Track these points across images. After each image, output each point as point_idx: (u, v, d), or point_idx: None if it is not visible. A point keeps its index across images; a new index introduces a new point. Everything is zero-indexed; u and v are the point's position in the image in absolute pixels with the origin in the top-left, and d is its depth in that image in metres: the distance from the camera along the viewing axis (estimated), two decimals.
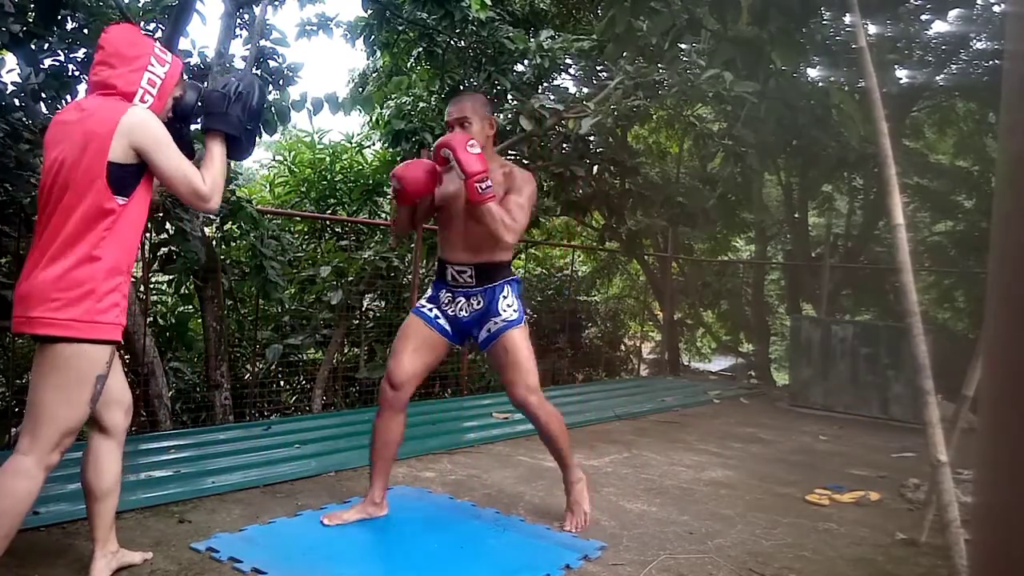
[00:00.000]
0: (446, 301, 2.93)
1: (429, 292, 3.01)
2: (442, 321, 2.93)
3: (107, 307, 2.07)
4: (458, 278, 2.90)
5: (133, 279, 4.80)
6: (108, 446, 2.31)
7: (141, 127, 2.05)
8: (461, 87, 7.06)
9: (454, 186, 2.88)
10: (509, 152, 6.39)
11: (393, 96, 6.95)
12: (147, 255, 4.52)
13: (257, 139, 2.42)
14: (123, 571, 2.32)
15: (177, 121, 2.28)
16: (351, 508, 2.94)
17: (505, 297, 2.89)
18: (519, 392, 2.87)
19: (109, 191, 2.03)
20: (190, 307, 5.45)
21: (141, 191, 2.12)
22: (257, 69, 5.64)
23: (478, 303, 2.89)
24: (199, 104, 2.32)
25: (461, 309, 2.91)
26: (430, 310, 2.94)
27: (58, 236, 2.03)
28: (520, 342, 2.88)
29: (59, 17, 4.31)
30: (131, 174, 2.07)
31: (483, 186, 2.64)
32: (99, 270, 2.03)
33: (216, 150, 2.25)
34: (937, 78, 8.72)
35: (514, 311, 2.89)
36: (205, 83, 5.28)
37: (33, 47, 4.17)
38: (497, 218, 2.70)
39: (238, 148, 2.32)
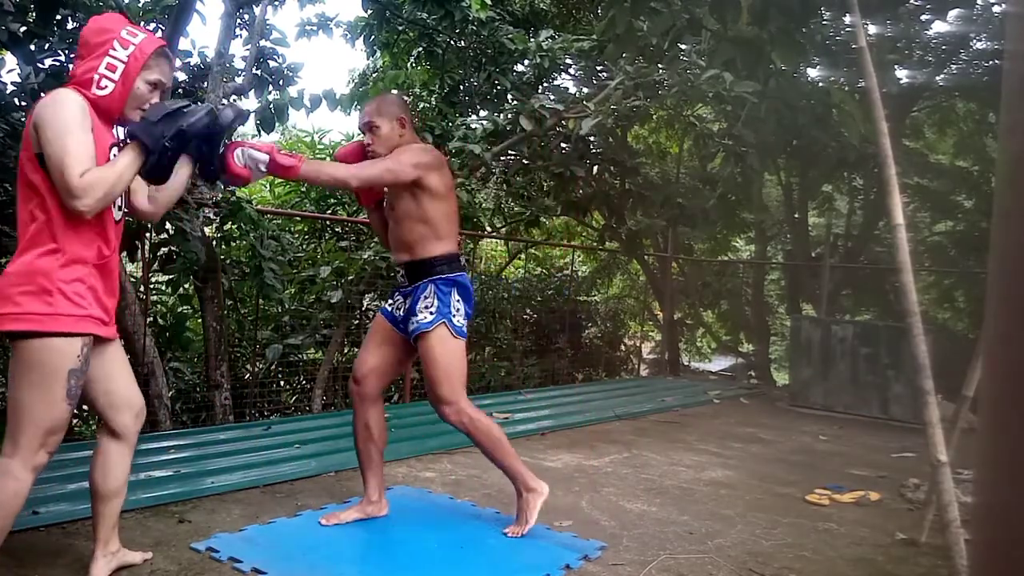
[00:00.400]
0: (397, 301, 2.91)
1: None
2: (392, 310, 2.91)
3: (71, 298, 2.00)
4: (401, 279, 2.91)
5: (133, 279, 4.81)
6: (118, 449, 2.28)
7: (41, 109, 1.96)
8: (461, 87, 7.07)
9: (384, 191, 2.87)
10: (509, 152, 6.40)
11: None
12: (147, 255, 4.52)
13: (186, 165, 2.25)
14: (123, 571, 2.32)
15: (175, 134, 2.11)
16: (349, 508, 2.94)
17: (425, 297, 2.75)
18: (432, 401, 2.80)
19: (48, 182, 1.96)
20: (188, 307, 5.45)
21: None
22: (257, 69, 5.65)
23: (406, 302, 2.84)
24: (233, 121, 2.28)
25: (398, 308, 2.88)
26: (390, 306, 2.92)
27: (23, 232, 2.01)
28: (435, 347, 2.70)
29: (59, 17, 4.31)
30: None
31: (285, 161, 2.41)
32: (57, 261, 1.98)
33: (123, 157, 2.05)
34: (937, 78, 8.72)
35: (430, 312, 2.72)
36: (205, 82, 5.28)
37: (33, 47, 4.16)
38: (322, 173, 2.58)
39: (153, 165, 2.10)
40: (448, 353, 2.72)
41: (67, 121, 1.95)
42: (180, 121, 2.12)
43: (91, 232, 2.05)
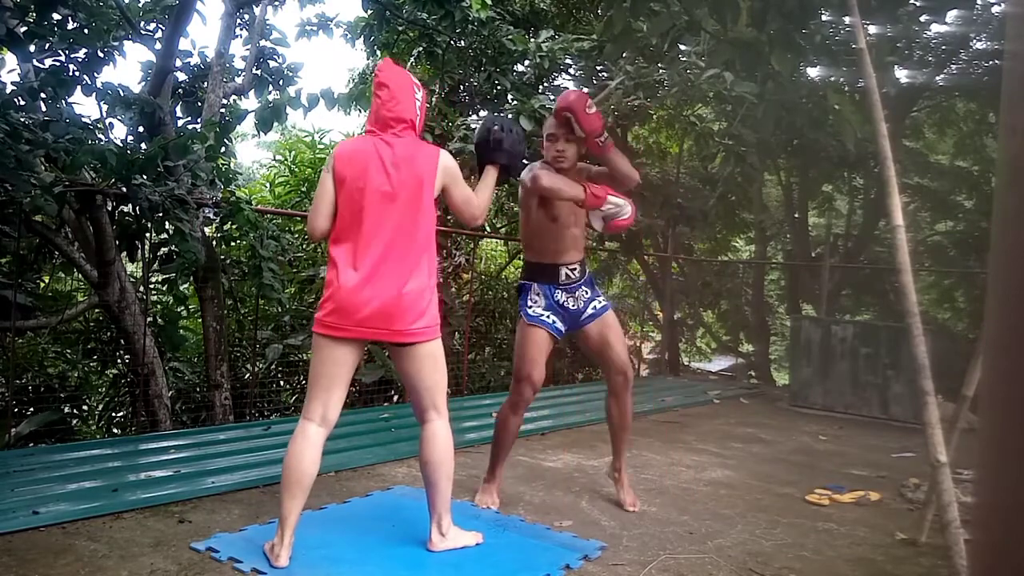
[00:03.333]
0: (563, 299, 3.18)
1: (539, 299, 3.17)
2: (559, 324, 3.17)
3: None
4: (571, 276, 3.20)
5: (133, 279, 4.81)
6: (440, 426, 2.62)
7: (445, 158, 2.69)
8: (461, 87, 7.06)
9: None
10: None
11: None
12: (147, 255, 4.53)
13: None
14: (124, 571, 2.32)
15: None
16: (487, 490, 3.26)
17: (596, 286, 3.31)
18: (620, 369, 3.22)
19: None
20: (183, 308, 5.44)
21: None
22: (257, 69, 5.65)
23: (585, 293, 3.23)
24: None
25: (573, 303, 3.19)
26: (548, 317, 3.15)
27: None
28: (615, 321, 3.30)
29: (58, 17, 4.31)
30: None
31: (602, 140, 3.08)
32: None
33: (491, 179, 2.80)
34: (937, 78, 8.72)
35: (602, 298, 3.31)
36: (205, 82, 5.28)
37: (33, 48, 4.17)
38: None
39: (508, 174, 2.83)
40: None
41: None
42: (520, 135, 2.83)
43: None
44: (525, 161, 2.79)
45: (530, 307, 3.15)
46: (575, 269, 3.20)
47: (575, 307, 3.18)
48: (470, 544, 2.65)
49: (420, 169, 2.51)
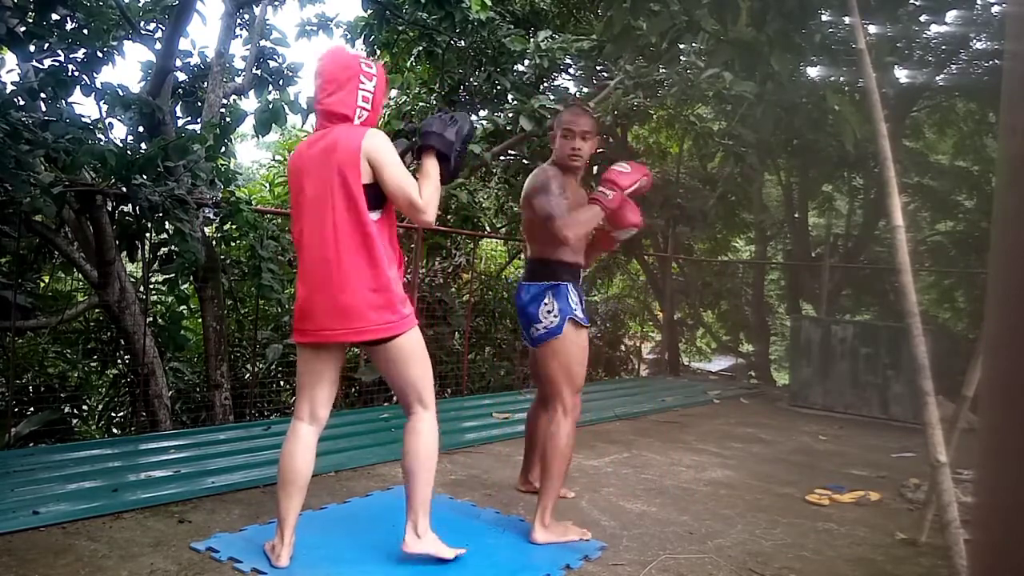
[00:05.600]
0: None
1: (574, 296, 2.98)
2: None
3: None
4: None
5: (133, 279, 4.81)
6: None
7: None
8: (461, 87, 7.06)
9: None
10: (509, 152, 6.40)
11: (392, 97, 6.94)
12: (147, 255, 4.52)
13: (461, 165, 2.62)
14: (124, 571, 2.32)
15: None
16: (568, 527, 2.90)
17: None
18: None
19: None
20: (185, 308, 5.44)
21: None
22: (257, 69, 5.64)
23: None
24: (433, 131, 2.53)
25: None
26: (583, 314, 3.01)
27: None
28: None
29: (57, 17, 4.31)
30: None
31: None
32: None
33: (432, 167, 2.43)
34: (937, 78, 8.72)
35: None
36: (205, 82, 5.28)
37: (32, 48, 4.17)
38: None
39: (451, 170, 2.50)
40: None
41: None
42: (463, 127, 2.50)
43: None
44: (460, 150, 2.49)
45: (574, 308, 2.94)
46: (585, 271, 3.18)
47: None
48: (446, 557, 2.46)
49: (341, 157, 2.31)
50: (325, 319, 2.35)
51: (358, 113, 2.37)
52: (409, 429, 2.49)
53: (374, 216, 2.35)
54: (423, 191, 2.35)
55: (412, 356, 2.45)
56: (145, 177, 3.85)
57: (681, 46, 5.20)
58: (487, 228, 7.78)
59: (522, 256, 9.88)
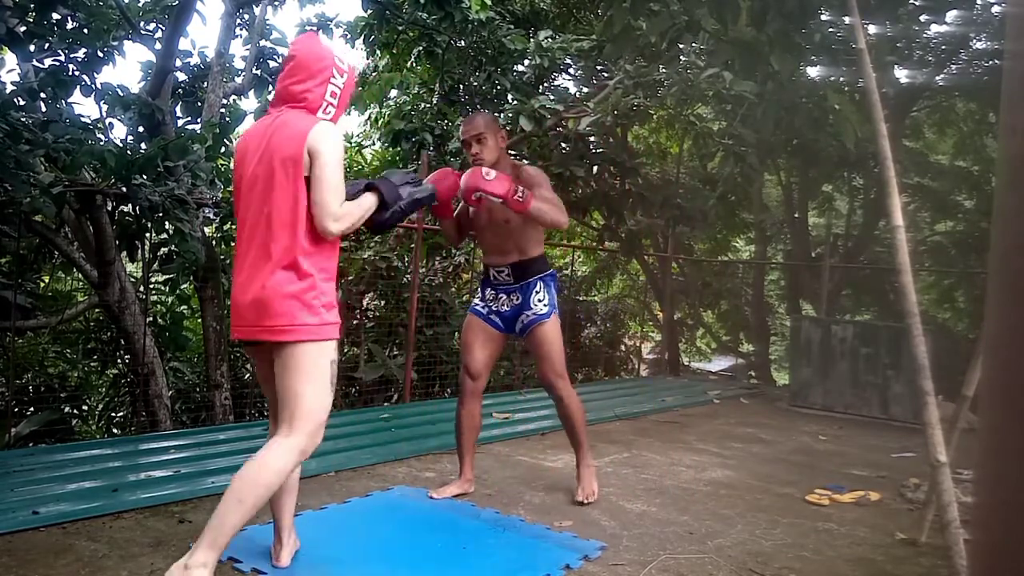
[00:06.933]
0: (490, 298, 3.29)
1: (479, 292, 3.37)
2: (494, 316, 3.27)
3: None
4: (498, 277, 3.25)
5: (133, 279, 4.81)
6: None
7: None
8: (461, 87, 7.06)
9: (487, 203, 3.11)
10: (509, 152, 6.38)
11: (392, 97, 6.95)
12: (147, 255, 4.53)
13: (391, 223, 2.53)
14: (124, 571, 2.32)
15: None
16: (451, 483, 3.32)
17: (537, 292, 3.20)
18: (547, 376, 3.21)
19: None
20: (184, 308, 5.45)
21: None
22: (257, 69, 5.64)
23: (511, 298, 3.24)
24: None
25: (502, 305, 3.26)
26: (483, 308, 3.30)
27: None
28: (550, 332, 3.18)
29: (58, 17, 4.31)
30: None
31: (520, 196, 2.90)
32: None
33: (368, 201, 2.33)
34: (937, 78, 8.72)
35: (544, 305, 3.19)
36: (205, 82, 5.28)
37: (32, 48, 4.17)
38: (546, 213, 2.97)
39: (381, 220, 2.41)
40: (559, 336, 3.22)
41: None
42: (417, 194, 2.49)
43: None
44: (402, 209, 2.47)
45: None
46: (502, 272, 3.23)
47: (503, 310, 3.26)
48: None
49: (283, 144, 2.15)
50: (248, 314, 2.21)
51: (324, 107, 2.25)
52: (261, 449, 2.18)
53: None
54: (345, 204, 2.20)
55: (309, 371, 2.18)
56: (145, 177, 3.85)
57: (681, 46, 5.20)
58: None
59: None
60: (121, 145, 4.17)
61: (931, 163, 9.95)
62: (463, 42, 6.80)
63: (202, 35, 60.37)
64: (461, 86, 7.19)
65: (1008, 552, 0.80)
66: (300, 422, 2.17)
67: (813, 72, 6.58)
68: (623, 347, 9.74)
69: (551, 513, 3.14)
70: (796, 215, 10.21)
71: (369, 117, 8.33)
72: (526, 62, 6.97)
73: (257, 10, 5.56)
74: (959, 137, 10.11)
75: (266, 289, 2.15)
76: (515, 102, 6.03)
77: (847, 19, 2.53)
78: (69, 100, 4.27)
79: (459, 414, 3.30)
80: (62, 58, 4.42)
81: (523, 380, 7.20)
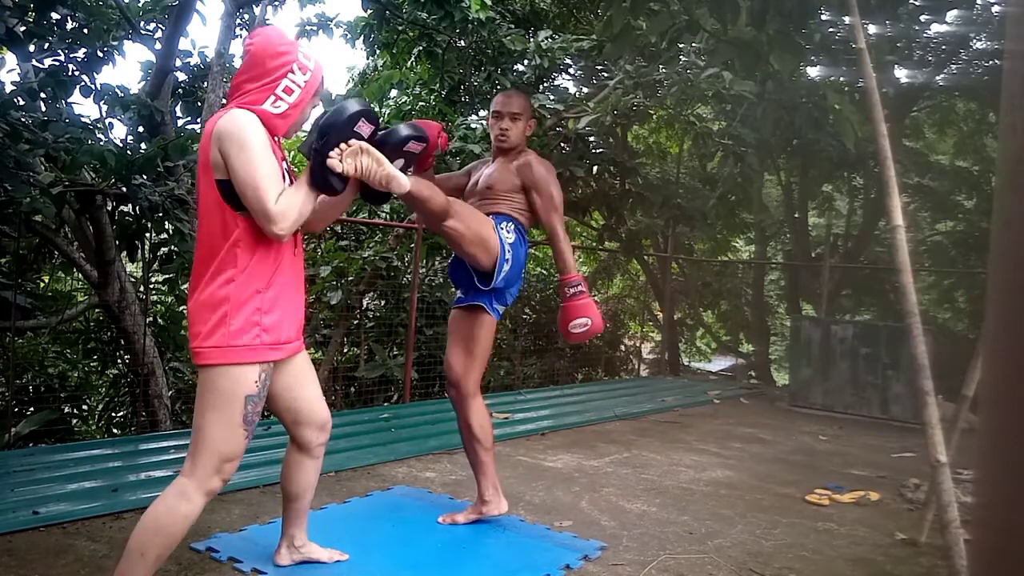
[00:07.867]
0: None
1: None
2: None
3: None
4: None
5: (133, 279, 4.81)
6: (300, 459, 2.38)
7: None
8: (461, 87, 7.06)
9: (481, 176, 2.99)
10: None
11: (392, 97, 6.94)
12: (147, 255, 4.53)
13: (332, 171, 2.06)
14: None
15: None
16: (466, 509, 2.94)
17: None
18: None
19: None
20: (183, 308, 5.45)
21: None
22: None
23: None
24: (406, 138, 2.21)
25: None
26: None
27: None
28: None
29: (58, 17, 4.31)
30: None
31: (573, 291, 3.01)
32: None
33: (304, 172, 2.05)
34: (937, 78, 8.72)
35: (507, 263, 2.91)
36: (205, 82, 5.28)
37: (32, 48, 4.16)
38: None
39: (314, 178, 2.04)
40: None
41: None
42: (320, 120, 2.14)
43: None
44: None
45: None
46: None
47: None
48: None
49: (203, 143, 1.94)
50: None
51: (272, 100, 1.95)
52: (164, 492, 1.97)
53: (245, 215, 1.92)
54: (282, 197, 1.90)
55: (213, 400, 1.93)
56: (145, 177, 3.85)
57: (681, 46, 5.20)
58: None
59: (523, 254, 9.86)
60: (121, 145, 4.17)
61: (931, 163, 9.95)
62: (463, 42, 6.80)
63: (202, 35, 60.42)
64: (461, 86, 7.19)
65: (1008, 552, 0.80)
66: (200, 458, 1.93)
67: (813, 72, 6.58)
68: (623, 347, 9.74)
69: (551, 513, 3.14)
70: (796, 215, 10.21)
71: None
72: (526, 62, 6.97)
73: (257, 10, 5.56)
74: (959, 137, 10.11)
75: (191, 304, 1.97)
76: None
77: (847, 19, 2.53)
78: (69, 100, 4.26)
79: (459, 427, 2.98)
80: (62, 58, 4.41)
81: (523, 380, 7.20)
